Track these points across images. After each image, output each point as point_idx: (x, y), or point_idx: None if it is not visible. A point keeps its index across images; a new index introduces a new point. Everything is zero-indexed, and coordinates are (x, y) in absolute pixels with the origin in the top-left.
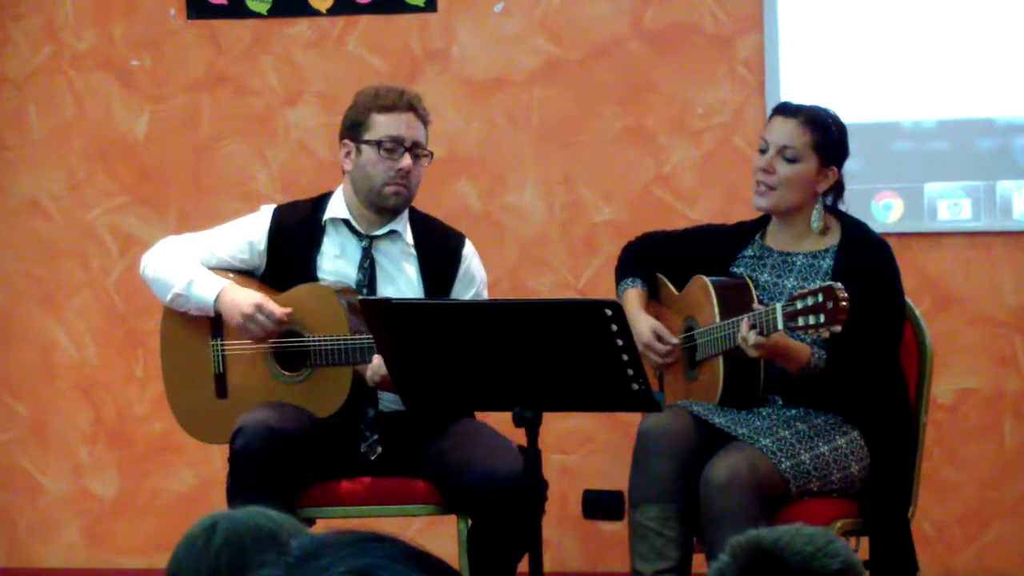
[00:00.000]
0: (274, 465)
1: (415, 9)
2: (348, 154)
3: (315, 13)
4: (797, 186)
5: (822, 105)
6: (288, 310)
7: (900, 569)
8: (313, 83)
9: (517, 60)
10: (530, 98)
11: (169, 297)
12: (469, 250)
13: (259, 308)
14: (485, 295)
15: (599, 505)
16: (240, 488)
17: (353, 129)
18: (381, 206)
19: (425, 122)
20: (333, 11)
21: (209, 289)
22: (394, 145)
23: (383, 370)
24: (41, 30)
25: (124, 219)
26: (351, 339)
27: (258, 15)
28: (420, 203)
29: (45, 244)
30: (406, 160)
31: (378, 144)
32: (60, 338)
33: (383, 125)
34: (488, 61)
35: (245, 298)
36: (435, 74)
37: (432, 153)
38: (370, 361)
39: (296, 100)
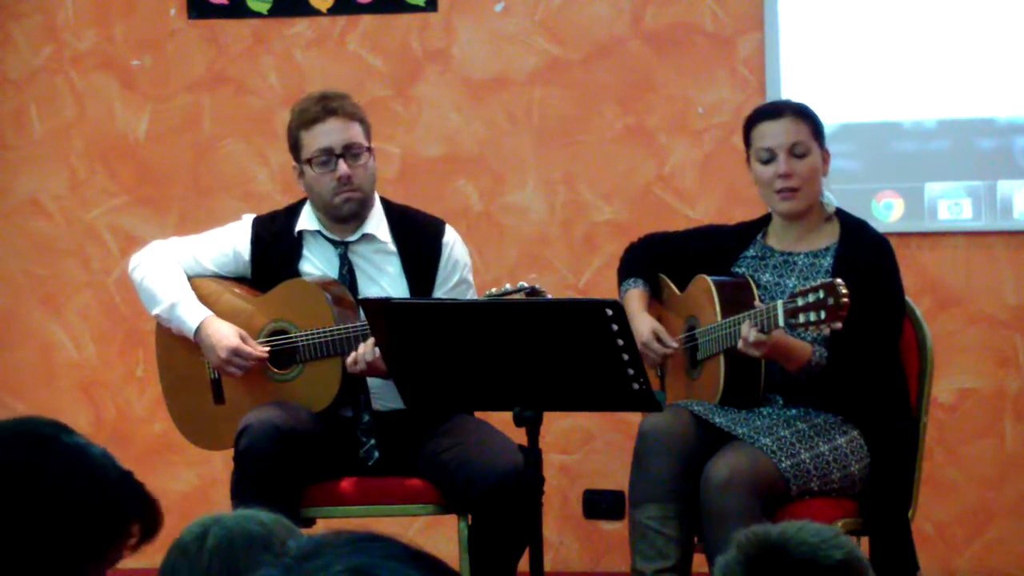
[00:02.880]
0: (278, 464)
1: (415, 9)
2: (299, 175)
3: (315, 13)
4: (815, 178)
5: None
6: (265, 350)
7: (900, 569)
8: (313, 83)
9: (517, 60)
10: (530, 98)
11: (153, 313)
12: (450, 237)
13: (235, 352)
14: (470, 279)
15: (599, 505)
16: (244, 487)
17: (293, 151)
18: (338, 216)
19: (356, 119)
20: (333, 11)
21: (189, 319)
22: (327, 157)
23: (370, 356)
24: (41, 30)
25: (125, 219)
26: (337, 330)
27: (258, 15)
28: (420, 202)
29: (46, 244)
30: (342, 168)
31: (310, 162)
32: (60, 338)
33: (310, 141)
34: (488, 61)
35: (221, 340)
36: (435, 74)
37: (371, 148)
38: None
39: (296, 100)
